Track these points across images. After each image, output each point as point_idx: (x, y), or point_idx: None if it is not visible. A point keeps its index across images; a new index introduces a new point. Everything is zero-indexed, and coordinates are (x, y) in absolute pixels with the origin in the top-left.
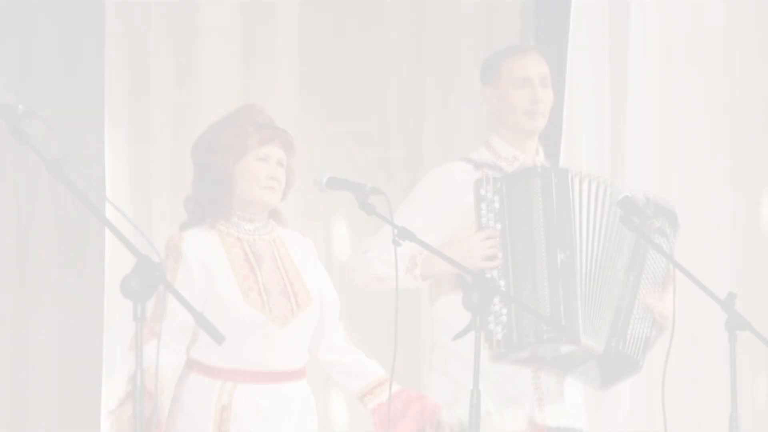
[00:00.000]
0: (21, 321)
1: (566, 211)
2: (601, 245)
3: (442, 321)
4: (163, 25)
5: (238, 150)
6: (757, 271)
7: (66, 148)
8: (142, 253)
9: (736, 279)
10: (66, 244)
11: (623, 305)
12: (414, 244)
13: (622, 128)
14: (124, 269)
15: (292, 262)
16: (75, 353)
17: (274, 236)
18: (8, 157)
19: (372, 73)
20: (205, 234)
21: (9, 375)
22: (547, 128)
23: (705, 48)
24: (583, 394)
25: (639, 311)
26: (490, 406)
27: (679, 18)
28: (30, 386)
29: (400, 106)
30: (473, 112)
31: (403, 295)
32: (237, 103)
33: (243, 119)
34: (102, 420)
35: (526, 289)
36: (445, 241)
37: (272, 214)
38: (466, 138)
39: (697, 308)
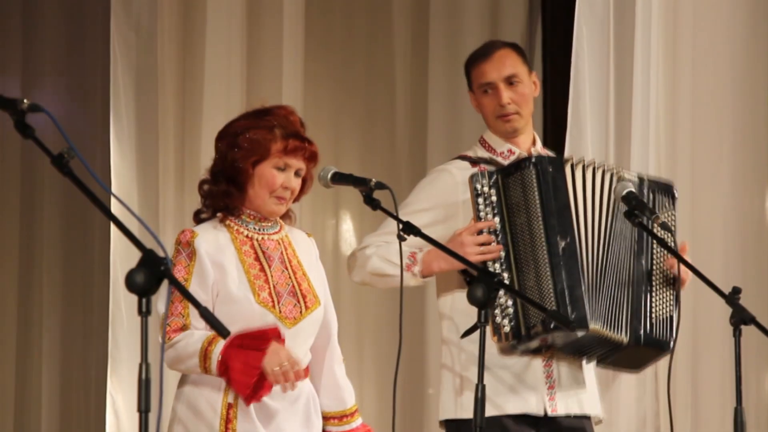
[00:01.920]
0: (26, 316)
1: (564, 198)
2: (603, 229)
3: (447, 317)
4: (169, 19)
5: (259, 153)
6: (761, 266)
7: (71, 142)
8: (147, 247)
9: (740, 274)
10: (71, 239)
11: (641, 289)
12: (415, 241)
13: (627, 122)
14: (130, 264)
15: (299, 262)
16: (80, 348)
17: (282, 235)
18: (13, 152)
19: (376, 69)
20: (216, 230)
21: (14, 370)
22: (552, 121)
23: (711, 41)
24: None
25: (659, 292)
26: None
27: (685, 9)
28: (35, 381)
29: (405, 101)
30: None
31: (410, 292)
32: (242, 100)
33: (273, 120)
34: (107, 414)
35: (530, 280)
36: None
37: None
38: (469, 132)
39: (701, 303)
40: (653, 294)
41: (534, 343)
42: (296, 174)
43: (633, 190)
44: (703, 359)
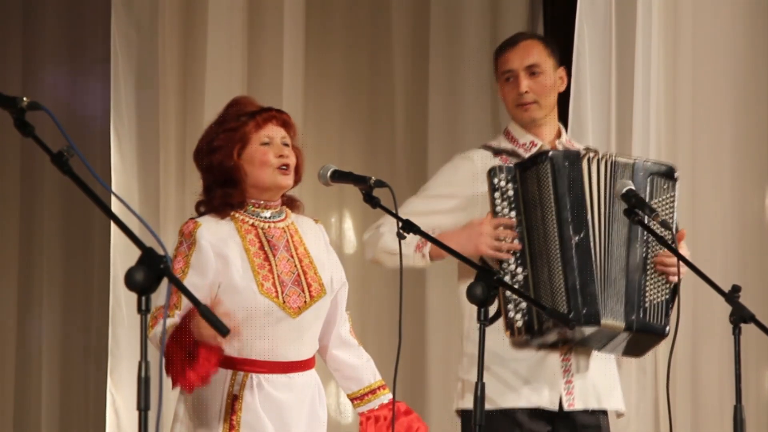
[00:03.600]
0: (26, 314)
1: (579, 193)
2: (610, 219)
3: (466, 326)
4: (170, 17)
5: (239, 140)
6: (761, 264)
7: (71, 140)
8: (147, 245)
9: (740, 271)
10: (71, 237)
11: (635, 277)
12: (423, 219)
13: (628, 121)
14: (130, 262)
15: (305, 250)
16: (80, 346)
17: (288, 223)
18: (13, 150)
19: (377, 67)
20: (220, 221)
21: (14, 367)
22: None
23: (711, 39)
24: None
25: (652, 278)
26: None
27: (686, 8)
28: (35, 378)
29: (406, 99)
30: (477, 104)
31: (412, 290)
32: None
33: (235, 112)
34: (107, 412)
35: (543, 275)
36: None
37: (287, 201)
38: (470, 131)
39: (701, 301)
40: (647, 280)
41: (551, 338)
42: (283, 144)
43: (632, 187)
44: (702, 357)
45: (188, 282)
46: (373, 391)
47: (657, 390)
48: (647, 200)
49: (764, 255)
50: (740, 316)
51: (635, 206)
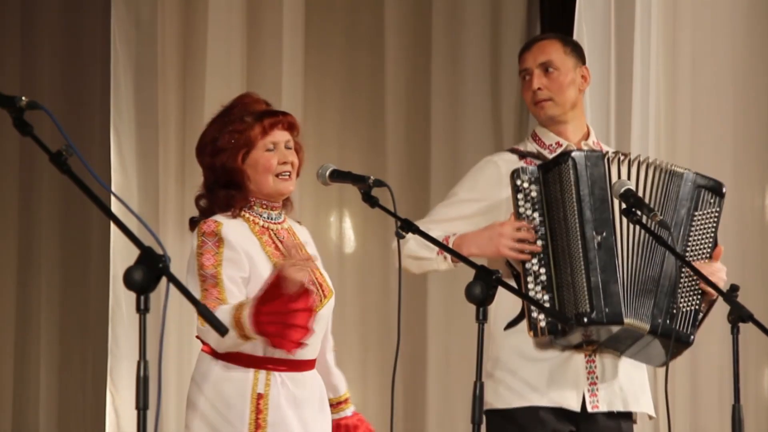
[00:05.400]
0: (25, 314)
1: (601, 193)
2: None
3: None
4: (169, 14)
5: (244, 145)
6: (761, 263)
7: (70, 140)
8: (146, 244)
9: (740, 271)
10: (70, 236)
11: (667, 282)
12: (448, 225)
13: (626, 120)
14: (130, 261)
15: (306, 251)
16: (79, 346)
17: (288, 225)
18: (12, 149)
19: (377, 65)
20: (235, 220)
21: (13, 367)
22: None
23: (710, 38)
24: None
25: (685, 286)
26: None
27: (685, 8)
28: (34, 378)
29: (407, 98)
30: (477, 103)
31: (412, 291)
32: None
33: (240, 111)
34: (107, 412)
35: (566, 276)
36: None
37: (282, 202)
38: (470, 129)
39: None
40: (680, 287)
41: (575, 338)
42: (287, 147)
43: (631, 187)
44: (701, 357)
45: (226, 276)
46: (346, 401)
47: (656, 388)
48: (691, 212)
49: (764, 255)
50: (739, 315)
51: (633, 206)
